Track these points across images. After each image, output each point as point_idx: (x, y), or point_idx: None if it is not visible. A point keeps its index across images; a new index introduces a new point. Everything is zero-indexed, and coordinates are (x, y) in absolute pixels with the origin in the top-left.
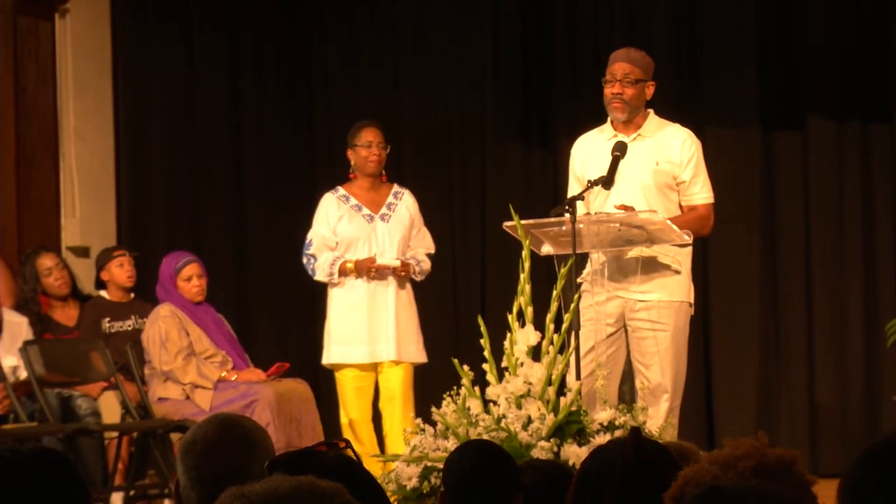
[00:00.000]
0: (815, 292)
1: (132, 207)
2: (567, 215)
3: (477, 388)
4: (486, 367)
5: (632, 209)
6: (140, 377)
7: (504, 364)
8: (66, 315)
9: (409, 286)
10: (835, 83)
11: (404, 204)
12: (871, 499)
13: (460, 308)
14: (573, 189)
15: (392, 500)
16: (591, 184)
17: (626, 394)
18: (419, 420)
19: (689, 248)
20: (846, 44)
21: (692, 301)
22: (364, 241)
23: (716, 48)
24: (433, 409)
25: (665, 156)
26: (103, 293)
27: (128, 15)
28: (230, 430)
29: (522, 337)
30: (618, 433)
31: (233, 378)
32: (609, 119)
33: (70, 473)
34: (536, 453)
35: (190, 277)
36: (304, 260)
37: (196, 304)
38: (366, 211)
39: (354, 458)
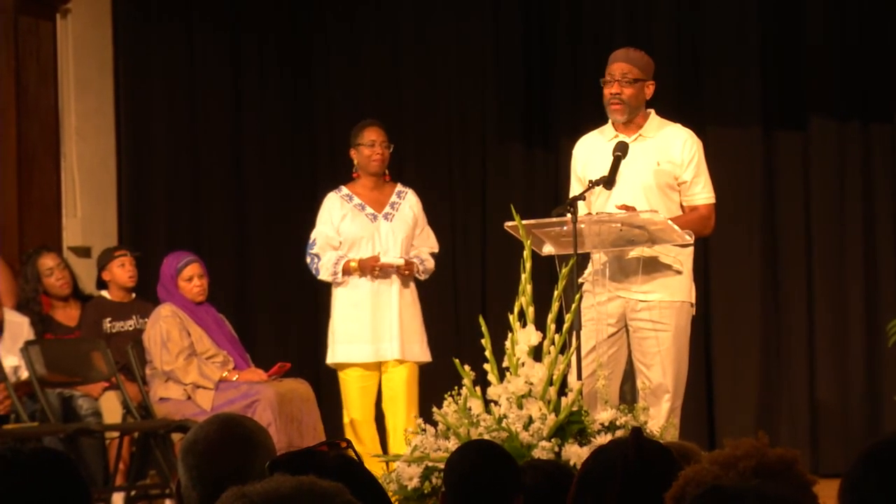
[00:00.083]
0: (816, 292)
1: (133, 207)
2: (568, 215)
3: (478, 388)
4: (487, 367)
5: (633, 209)
6: (141, 377)
7: (505, 364)
8: (68, 315)
9: (413, 285)
10: (836, 83)
11: (408, 203)
12: (871, 499)
13: (461, 308)
14: (575, 190)
15: (393, 500)
16: (593, 184)
17: (628, 394)
18: (420, 420)
19: (691, 249)
20: (847, 44)
21: (693, 301)
22: (367, 241)
23: (717, 48)
24: (434, 409)
25: (666, 156)
26: (104, 293)
27: (129, 15)
28: (231, 430)
29: (524, 337)
30: (619, 433)
31: (234, 378)
32: (610, 119)
33: (71, 473)
34: (537, 453)
35: (191, 277)
36: (308, 259)
37: (197, 304)
38: (369, 210)
39: (355, 458)
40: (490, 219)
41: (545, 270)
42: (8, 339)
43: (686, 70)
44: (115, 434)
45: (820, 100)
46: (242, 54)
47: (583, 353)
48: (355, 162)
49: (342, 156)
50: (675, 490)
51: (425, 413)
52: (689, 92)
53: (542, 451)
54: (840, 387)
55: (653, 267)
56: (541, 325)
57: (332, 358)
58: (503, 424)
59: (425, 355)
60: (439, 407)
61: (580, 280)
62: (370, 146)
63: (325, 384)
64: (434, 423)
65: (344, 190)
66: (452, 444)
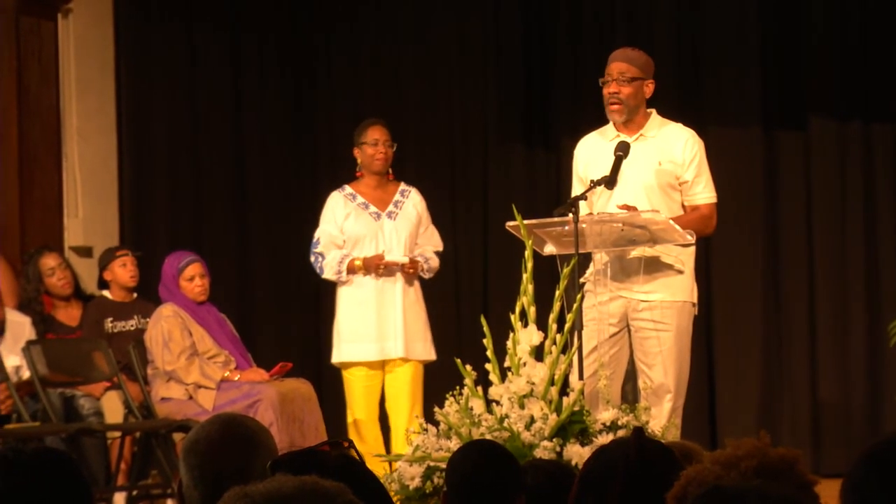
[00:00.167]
0: (818, 292)
1: (135, 207)
2: (570, 215)
3: (480, 388)
4: (488, 366)
5: (634, 209)
6: (143, 377)
7: (507, 364)
8: (69, 315)
9: (417, 284)
10: (836, 83)
11: (411, 202)
12: (873, 499)
13: (463, 308)
14: (577, 190)
15: (395, 500)
16: (594, 184)
17: (629, 394)
18: (421, 420)
19: (692, 248)
20: (848, 43)
21: (695, 301)
22: (371, 239)
23: (718, 48)
24: (436, 408)
25: (668, 155)
26: (106, 293)
27: (130, 15)
28: (233, 429)
29: (525, 337)
30: (620, 433)
31: (236, 378)
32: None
33: (73, 473)
34: (539, 453)
35: (192, 277)
36: (312, 258)
37: (198, 304)
38: (372, 209)
39: (357, 457)
40: (491, 219)
41: (547, 270)
42: (9, 339)
43: (686, 70)
44: (117, 434)
45: (820, 99)
46: (243, 54)
47: (584, 352)
48: (359, 161)
49: (343, 155)
50: (677, 490)
51: (427, 413)
52: (690, 92)
53: (544, 450)
54: (841, 387)
55: (654, 267)
56: (542, 325)
57: (337, 357)
58: (505, 424)
59: (429, 354)
60: (441, 407)
61: (582, 280)
62: (373, 145)
63: (327, 384)
64: (436, 423)
65: (347, 189)
66: (454, 444)
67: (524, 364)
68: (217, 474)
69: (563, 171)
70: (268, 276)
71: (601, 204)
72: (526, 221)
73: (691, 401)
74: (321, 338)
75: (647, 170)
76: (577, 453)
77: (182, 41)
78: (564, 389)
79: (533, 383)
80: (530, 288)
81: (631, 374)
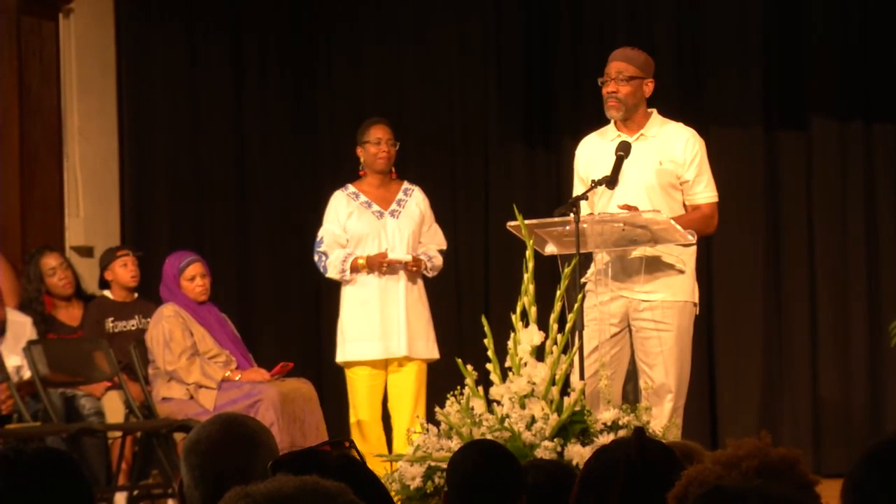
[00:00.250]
0: (819, 292)
1: (136, 207)
2: (571, 215)
3: (480, 388)
4: (489, 366)
5: (635, 209)
6: (144, 377)
7: (508, 364)
8: (70, 315)
9: (420, 282)
10: (837, 83)
11: (414, 200)
12: (874, 499)
13: (464, 308)
14: (578, 191)
15: (396, 500)
16: (595, 184)
17: (630, 394)
18: (422, 420)
19: (693, 248)
20: (849, 44)
21: (696, 301)
22: (373, 238)
23: (719, 48)
24: (437, 408)
25: (668, 155)
26: (107, 293)
27: (131, 15)
28: (234, 429)
29: (526, 337)
30: (621, 433)
31: (236, 378)
32: (613, 120)
33: (73, 473)
34: (540, 453)
35: (193, 277)
36: (316, 258)
37: (199, 304)
38: (375, 207)
39: (358, 457)
40: (492, 219)
41: (548, 270)
42: (10, 339)
43: (687, 70)
44: (118, 434)
45: (821, 99)
46: (244, 54)
47: (585, 352)
48: (362, 160)
49: (344, 155)
50: (678, 490)
51: (428, 413)
52: (691, 92)
53: (545, 450)
54: (842, 387)
55: (655, 267)
56: (543, 325)
57: (341, 356)
58: (506, 424)
59: (432, 353)
60: (442, 406)
61: (583, 280)
62: (376, 144)
63: (328, 383)
64: (437, 423)
65: (350, 188)
66: (455, 444)
67: (525, 364)
68: (218, 474)
69: (564, 171)
70: (268, 275)
71: (602, 204)
72: (527, 221)
73: (692, 401)
74: (322, 337)
75: (647, 169)
76: (578, 453)
77: (183, 41)
78: (565, 389)
79: (534, 383)
80: (531, 288)
81: (632, 374)
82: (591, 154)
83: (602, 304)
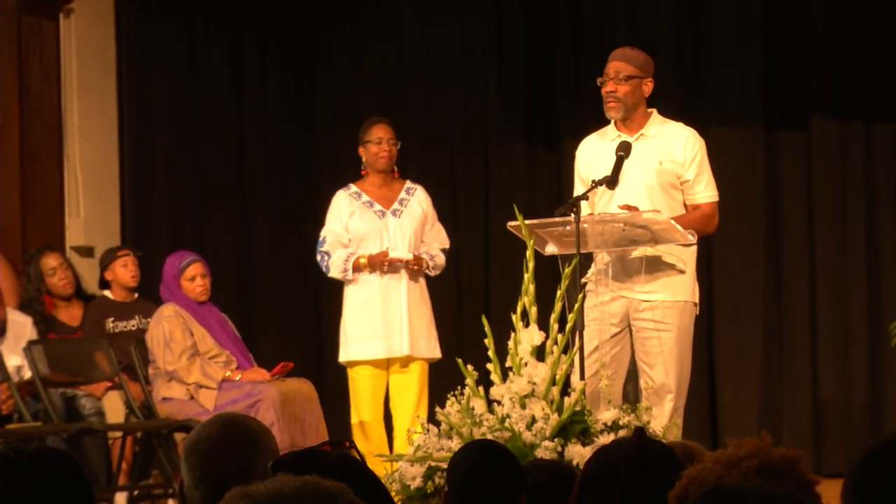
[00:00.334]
0: (819, 292)
1: (136, 207)
2: (571, 215)
3: (481, 388)
4: (490, 366)
5: (636, 209)
6: (144, 377)
7: (508, 364)
8: (70, 315)
9: (422, 281)
10: (838, 83)
11: (416, 199)
12: (874, 499)
13: (464, 308)
14: (578, 191)
15: (396, 500)
16: (596, 184)
17: (631, 394)
18: (422, 420)
19: (694, 248)
20: (850, 43)
21: (697, 301)
22: (375, 237)
23: (720, 47)
24: (437, 408)
25: (668, 155)
26: (107, 293)
27: (131, 15)
28: (234, 429)
29: (526, 337)
30: (622, 433)
31: (237, 378)
32: (613, 120)
33: (74, 473)
34: (540, 453)
35: (193, 277)
36: (318, 257)
37: (200, 304)
38: (377, 207)
39: (358, 457)
40: (493, 219)
41: (548, 270)
42: (11, 339)
43: (687, 70)
44: (118, 434)
45: (822, 99)
46: (244, 54)
47: (586, 352)
48: (363, 159)
49: (344, 155)
50: (678, 490)
51: (428, 413)
52: (691, 92)
53: (545, 450)
54: (843, 386)
55: (656, 266)
56: (544, 325)
57: (344, 356)
58: (506, 424)
59: (434, 352)
60: (442, 406)
61: (583, 280)
62: (378, 143)
63: (328, 383)
64: (437, 423)
65: (352, 187)
66: (455, 444)
67: (525, 364)
68: (218, 474)
69: (564, 171)
70: (269, 275)
71: (602, 204)
72: (527, 221)
73: (692, 401)
74: (322, 337)
75: (648, 169)
76: (579, 453)
77: (183, 41)
78: (566, 389)
79: (534, 383)
80: (532, 288)
81: (632, 374)
82: (592, 154)
83: (602, 304)
